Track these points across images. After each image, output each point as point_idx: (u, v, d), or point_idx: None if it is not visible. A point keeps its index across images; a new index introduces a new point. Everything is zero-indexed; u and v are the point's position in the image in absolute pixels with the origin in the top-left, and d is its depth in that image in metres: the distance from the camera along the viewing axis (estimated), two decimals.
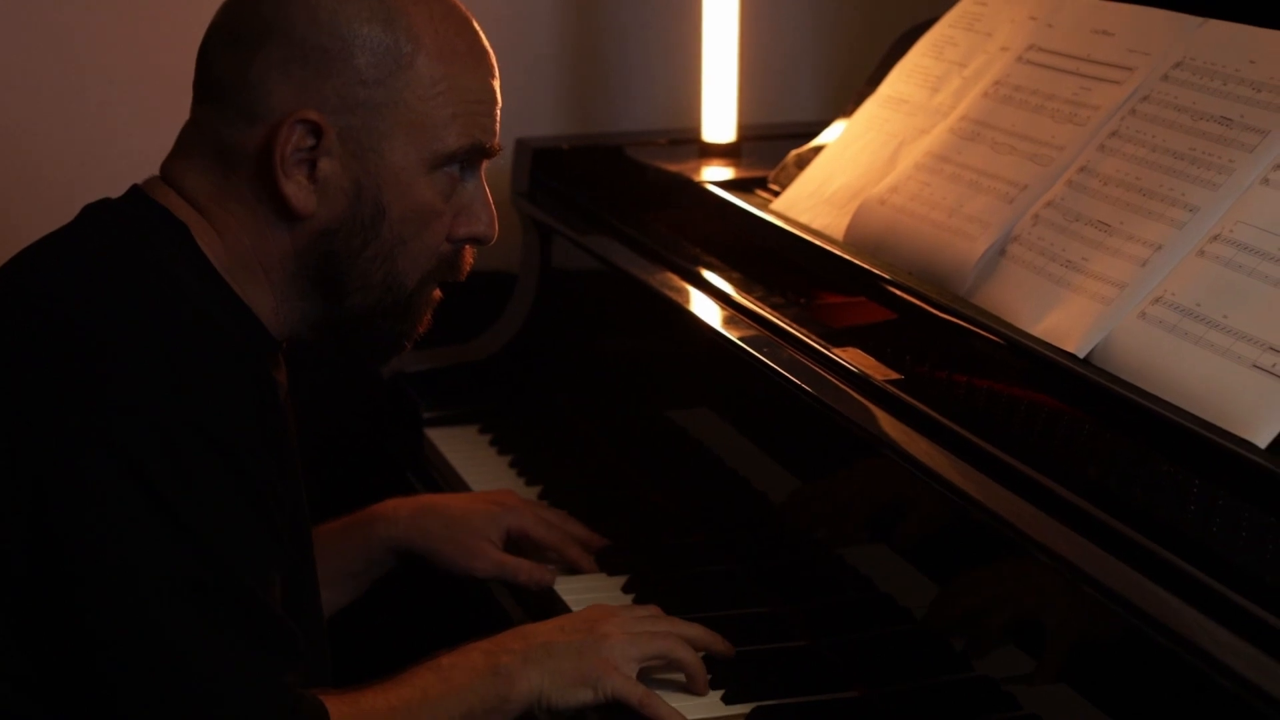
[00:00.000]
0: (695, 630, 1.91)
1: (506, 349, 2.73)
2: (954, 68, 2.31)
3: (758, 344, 2.03)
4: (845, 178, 2.32)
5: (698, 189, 2.48)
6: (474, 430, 2.60)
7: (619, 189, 2.61)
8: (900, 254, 2.10)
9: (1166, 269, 1.81)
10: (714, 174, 2.57)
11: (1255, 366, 1.65)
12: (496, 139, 1.84)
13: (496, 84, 1.84)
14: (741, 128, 2.68)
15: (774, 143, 2.60)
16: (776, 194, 2.41)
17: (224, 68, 1.78)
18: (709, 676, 1.88)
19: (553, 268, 2.70)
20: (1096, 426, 1.71)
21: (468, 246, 1.86)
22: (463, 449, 2.54)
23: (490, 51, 1.84)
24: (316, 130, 1.74)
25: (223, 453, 1.64)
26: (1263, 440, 1.60)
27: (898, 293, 2.00)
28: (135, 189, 1.82)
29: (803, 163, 2.42)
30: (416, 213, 1.79)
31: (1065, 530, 1.58)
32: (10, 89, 2.78)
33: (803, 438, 2.05)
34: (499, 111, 1.84)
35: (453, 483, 2.47)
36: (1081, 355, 1.80)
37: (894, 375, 1.89)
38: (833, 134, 2.43)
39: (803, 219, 2.30)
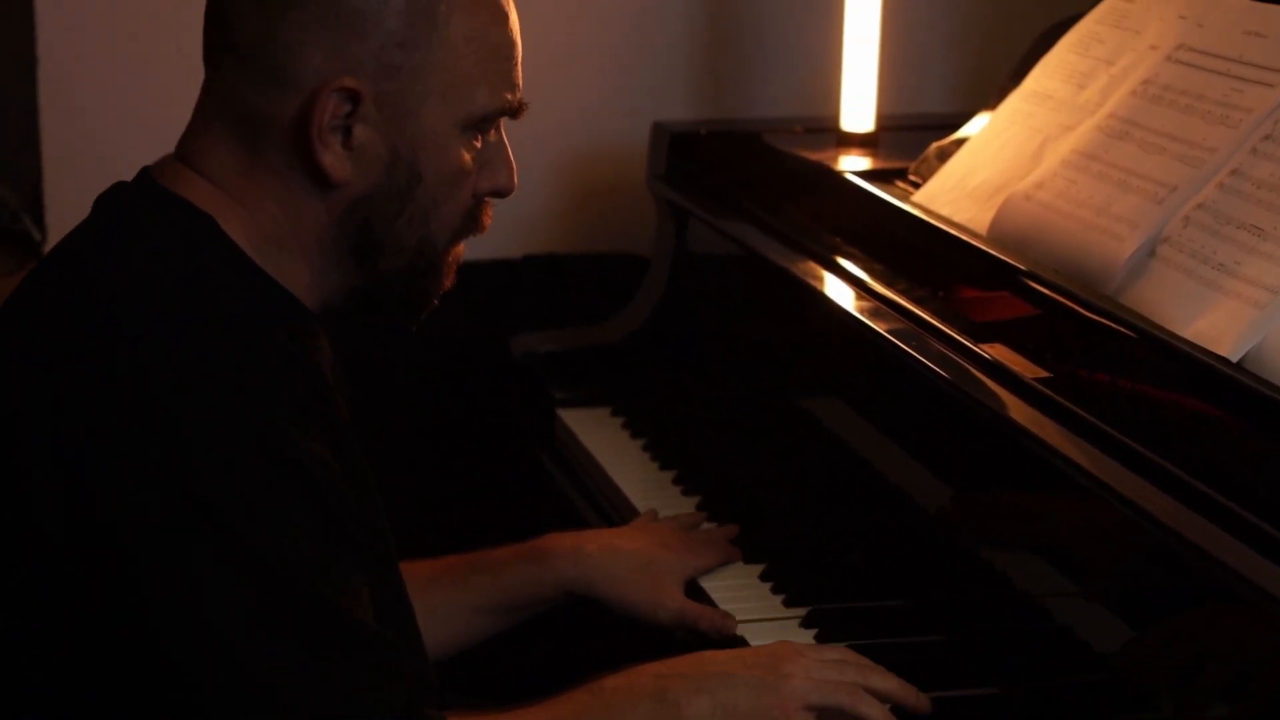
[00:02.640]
0: (888, 683, 1.82)
1: (639, 332, 2.74)
2: (1101, 64, 2.30)
3: (905, 336, 2.03)
4: (988, 172, 2.32)
5: (838, 178, 2.49)
6: (606, 412, 2.61)
7: (755, 175, 2.62)
8: (1045, 251, 2.10)
9: None
10: (852, 164, 2.58)
11: None
12: (520, 93, 1.77)
13: (519, 37, 1.77)
14: (879, 118, 2.68)
15: (913, 134, 2.60)
16: (917, 186, 2.42)
17: (250, 33, 1.68)
18: None
19: (688, 252, 2.71)
20: (1250, 431, 1.71)
21: (488, 200, 1.81)
22: (596, 431, 2.55)
23: (512, 2, 1.76)
24: (354, 97, 1.66)
25: (282, 464, 1.58)
26: None
27: (1044, 290, 2.00)
28: (146, 175, 1.73)
29: (944, 155, 2.43)
30: (450, 175, 1.73)
31: (1218, 532, 1.59)
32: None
33: (942, 431, 2.06)
34: (520, 64, 1.77)
35: (587, 466, 2.48)
36: (1234, 359, 1.80)
37: (1041, 373, 1.90)
38: (975, 127, 2.43)
39: (944, 212, 2.30)
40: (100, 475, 1.56)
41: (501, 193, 1.80)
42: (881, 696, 1.80)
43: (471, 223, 1.79)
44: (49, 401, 1.60)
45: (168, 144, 1.77)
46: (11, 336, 1.69)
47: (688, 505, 2.31)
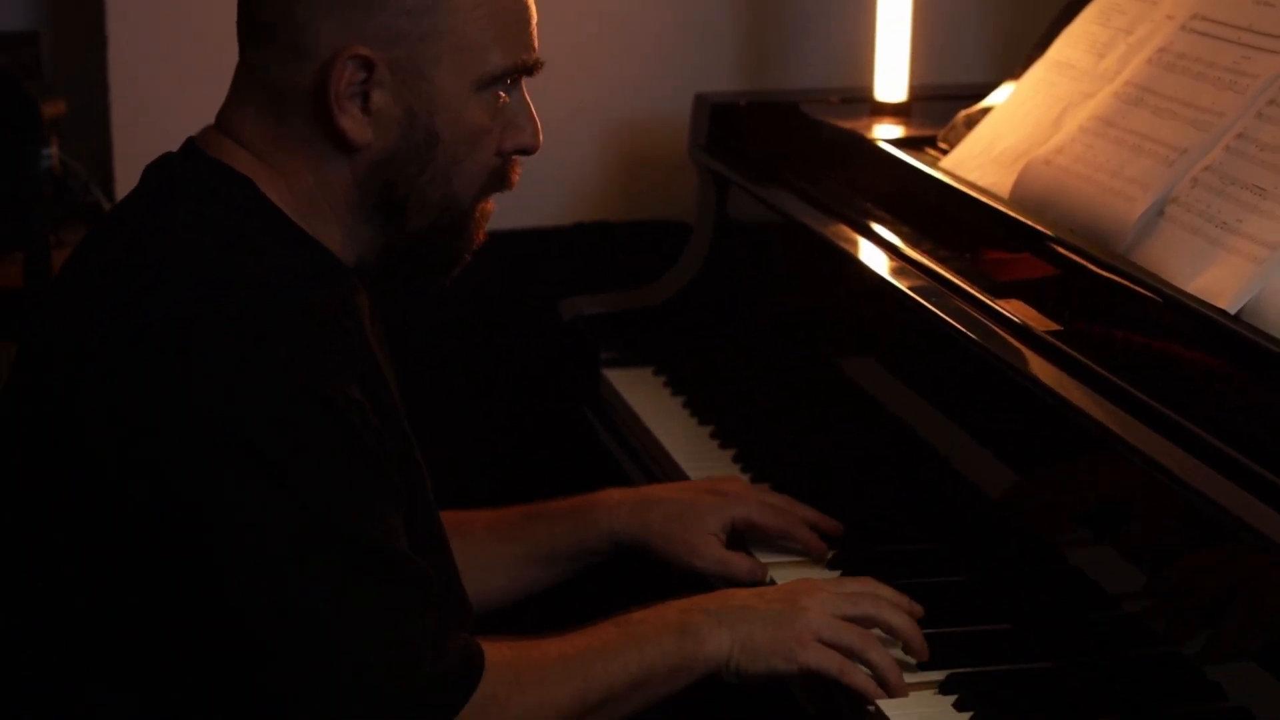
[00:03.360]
0: (898, 618, 1.91)
1: (681, 295, 2.85)
2: (1120, 34, 2.40)
3: (925, 293, 2.14)
4: (1012, 138, 2.42)
5: (870, 146, 2.59)
6: (649, 372, 2.72)
7: (793, 144, 2.72)
8: (1062, 213, 2.20)
9: None
10: (885, 132, 2.68)
11: None
12: (536, 53, 1.87)
13: None
14: (912, 88, 2.78)
15: (943, 103, 2.69)
16: (945, 152, 2.52)
17: (269, 11, 1.81)
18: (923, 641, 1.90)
19: (728, 218, 2.82)
20: (1245, 379, 1.81)
21: (515, 158, 1.90)
22: (639, 389, 2.66)
23: None
24: (367, 64, 1.77)
25: (324, 408, 1.70)
26: None
27: (1059, 249, 2.10)
28: (191, 144, 1.86)
29: (971, 123, 2.52)
30: (468, 134, 1.83)
31: (1209, 472, 1.69)
32: None
33: (966, 386, 2.16)
34: (535, 25, 1.88)
35: (629, 421, 2.60)
36: (1232, 311, 1.90)
37: (1054, 326, 2.01)
38: (1001, 96, 2.53)
39: (970, 177, 2.40)
40: (153, 422, 1.68)
41: (526, 150, 1.89)
42: (892, 633, 1.91)
43: (498, 180, 1.89)
44: (106, 353, 1.71)
45: None
46: (70, 295, 1.82)
47: (725, 458, 2.42)
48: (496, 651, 1.78)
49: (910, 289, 2.17)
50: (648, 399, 2.63)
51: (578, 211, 3.17)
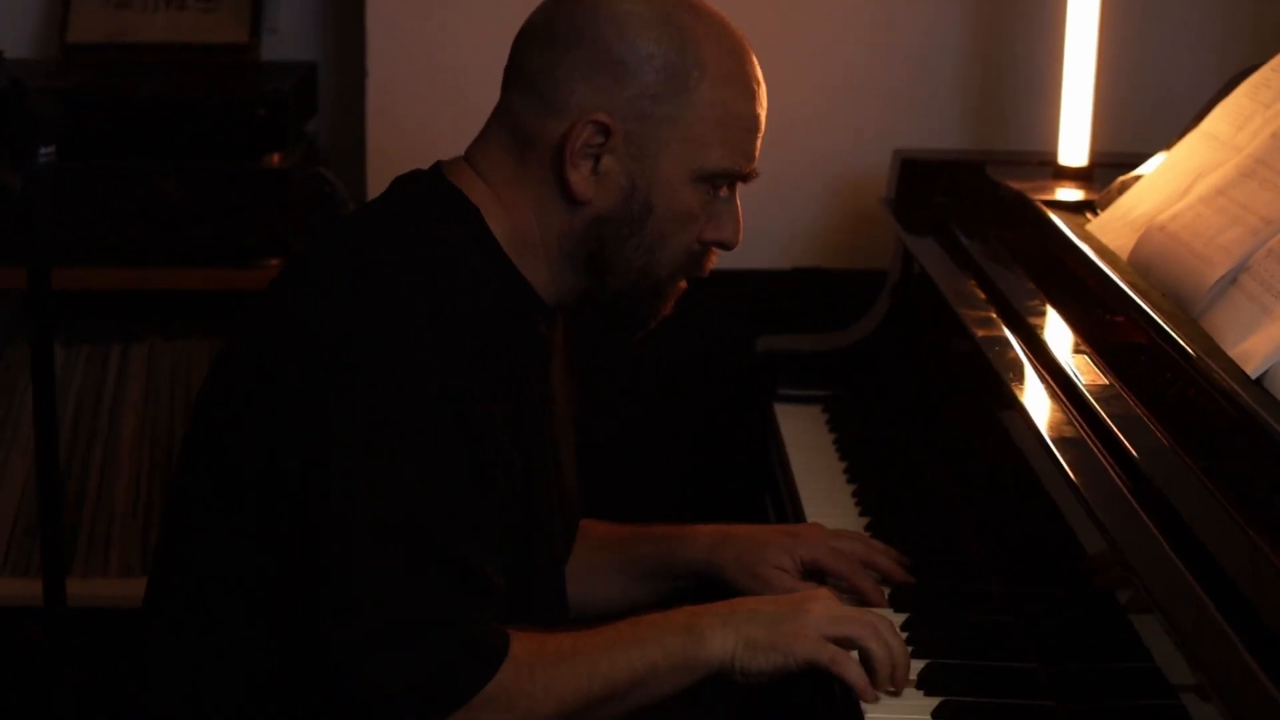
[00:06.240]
0: (897, 641, 1.98)
1: (865, 340, 2.97)
2: (1261, 108, 2.44)
3: (990, 343, 2.24)
4: (1147, 205, 2.47)
5: (1033, 207, 2.67)
6: (818, 409, 2.86)
7: (968, 202, 2.83)
8: (1160, 277, 2.26)
9: None
10: (1064, 194, 2.75)
11: None
12: (754, 164, 2.08)
13: (763, 113, 2.07)
14: (1096, 153, 2.84)
15: (1124, 169, 2.74)
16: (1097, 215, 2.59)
17: (536, 64, 2.03)
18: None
19: (912, 271, 2.92)
20: (1248, 445, 1.86)
21: (713, 249, 2.10)
22: (797, 423, 2.79)
23: (763, 84, 2.07)
24: (606, 130, 2.00)
25: (453, 407, 1.88)
26: None
27: (1133, 311, 2.17)
28: (438, 167, 2.09)
29: (1124, 189, 2.59)
30: (678, 215, 2.04)
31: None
32: None
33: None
34: (760, 140, 2.08)
35: (780, 451, 2.73)
36: (1254, 376, 1.94)
37: (1102, 382, 2.08)
38: (1153, 164, 2.58)
39: (1107, 239, 2.47)
40: (305, 392, 1.90)
41: (725, 245, 2.11)
42: (868, 659, 1.96)
43: (694, 263, 2.11)
44: (303, 329, 1.94)
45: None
46: (302, 276, 2.05)
47: (846, 493, 2.54)
48: (519, 644, 1.90)
49: (982, 338, 2.26)
50: (802, 432, 2.76)
51: (799, 257, 3.31)
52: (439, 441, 1.89)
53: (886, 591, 2.21)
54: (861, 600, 2.20)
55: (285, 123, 3.22)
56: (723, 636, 1.95)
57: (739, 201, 2.10)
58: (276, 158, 3.21)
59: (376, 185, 3.22)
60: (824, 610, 1.98)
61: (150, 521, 3.27)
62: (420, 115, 3.19)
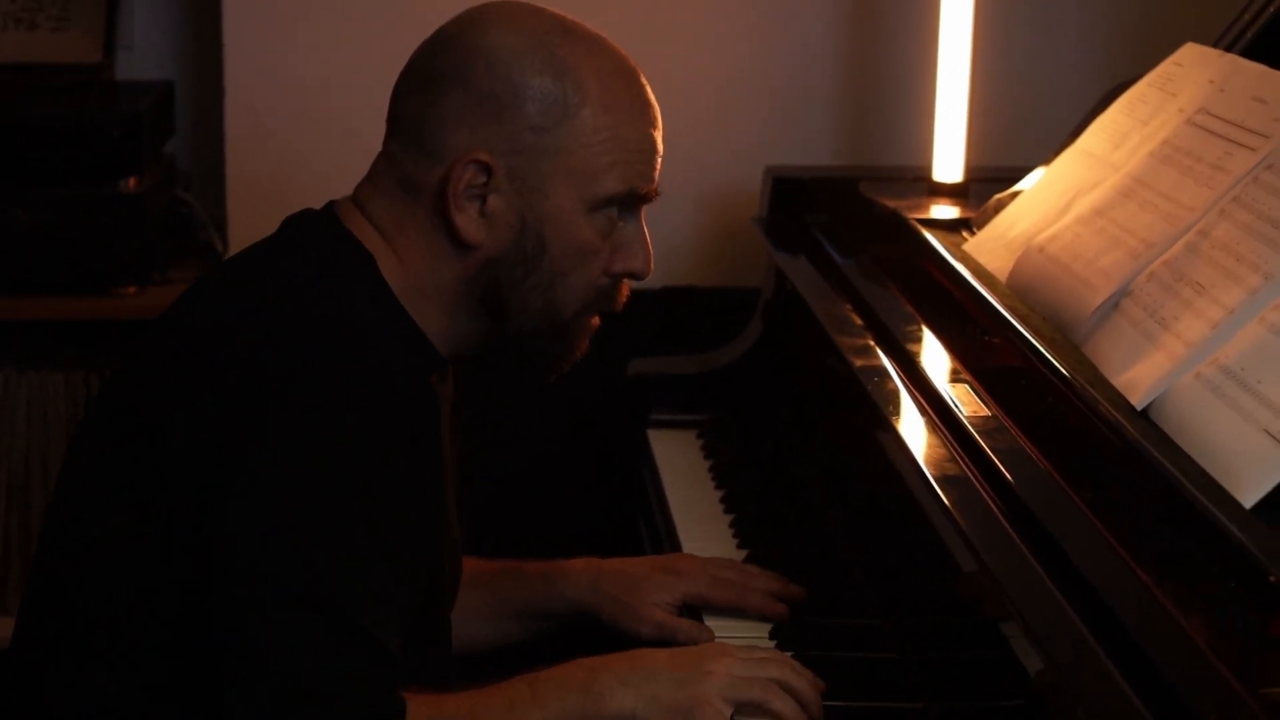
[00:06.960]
0: (805, 682, 1.95)
1: (737, 362, 2.91)
2: (1138, 125, 2.40)
3: (869, 373, 2.18)
4: (1025, 224, 2.43)
5: (907, 225, 2.63)
6: (693, 434, 2.79)
7: (840, 219, 2.78)
8: (1040, 299, 2.22)
9: (1233, 332, 1.89)
10: (934, 211, 2.71)
11: (1265, 431, 1.74)
12: (654, 185, 2.01)
13: (658, 135, 2.01)
14: (972, 168, 2.80)
15: (1002, 185, 2.71)
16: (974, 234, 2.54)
17: (413, 110, 1.97)
18: None
19: (785, 290, 2.87)
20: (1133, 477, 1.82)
21: (624, 280, 2.03)
22: (671, 448, 2.73)
23: (654, 104, 2.00)
24: (487, 169, 1.92)
25: (361, 475, 1.81)
26: (1248, 501, 1.69)
27: (1011, 335, 2.13)
28: (331, 209, 2.02)
29: (1001, 207, 2.54)
30: (575, 249, 1.97)
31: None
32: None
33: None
34: (659, 160, 2.01)
35: (655, 479, 2.66)
36: (1140, 408, 1.90)
37: (984, 412, 2.03)
38: (1030, 181, 2.54)
39: (984, 260, 2.43)
40: (220, 442, 1.82)
41: (635, 275, 2.03)
42: (794, 694, 1.93)
43: (604, 299, 2.03)
44: (203, 372, 1.86)
45: (333, 176, 2.12)
46: (187, 324, 1.97)
47: (724, 523, 2.48)
48: (416, 708, 1.83)
49: (859, 367, 2.21)
50: (676, 459, 2.70)
51: (670, 275, 3.25)
52: (342, 505, 1.82)
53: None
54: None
55: (141, 144, 3.14)
56: (622, 697, 1.90)
57: (645, 229, 2.03)
58: (133, 181, 3.13)
59: (237, 208, 3.14)
60: (725, 671, 1.93)
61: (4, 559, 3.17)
62: (282, 135, 3.10)
